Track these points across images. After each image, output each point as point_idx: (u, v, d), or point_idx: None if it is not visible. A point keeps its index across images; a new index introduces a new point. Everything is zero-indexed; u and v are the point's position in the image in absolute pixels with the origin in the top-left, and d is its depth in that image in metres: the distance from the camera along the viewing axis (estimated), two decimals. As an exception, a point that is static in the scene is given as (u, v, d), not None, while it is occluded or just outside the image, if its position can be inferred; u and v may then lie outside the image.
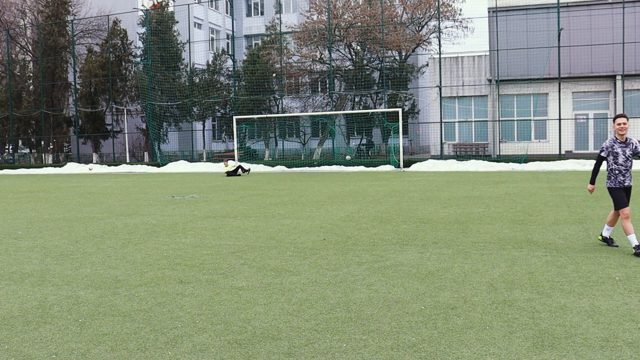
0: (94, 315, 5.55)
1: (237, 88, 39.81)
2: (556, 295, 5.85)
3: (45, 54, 43.91)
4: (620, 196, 7.78)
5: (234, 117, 34.56)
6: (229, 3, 51.27)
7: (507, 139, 35.91)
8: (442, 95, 35.33)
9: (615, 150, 7.79)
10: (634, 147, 7.79)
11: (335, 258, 7.83)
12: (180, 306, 5.76)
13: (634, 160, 8.14)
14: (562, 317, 5.17)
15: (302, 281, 6.63)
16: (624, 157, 7.74)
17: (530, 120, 35.66)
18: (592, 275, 6.59)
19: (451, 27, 39.67)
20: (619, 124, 7.68)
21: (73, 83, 43.60)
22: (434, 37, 39.25)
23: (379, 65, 39.01)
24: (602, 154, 7.92)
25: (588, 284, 6.21)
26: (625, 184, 7.85)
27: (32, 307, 5.87)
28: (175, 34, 43.19)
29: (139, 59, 43.95)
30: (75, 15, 46.98)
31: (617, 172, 7.80)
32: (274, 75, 40.31)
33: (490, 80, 36.02)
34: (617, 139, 7.82)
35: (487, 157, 33.27)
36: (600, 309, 5.36)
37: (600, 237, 8.29)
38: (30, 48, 49.62)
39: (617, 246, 8.04)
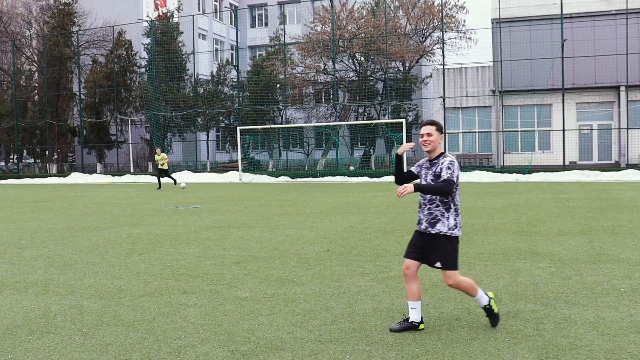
0: (98, 325, 5.55)
1: (241, 98, 39.92)
2: (560, 306, 5.83)
3: (51, 65, 44.14)
4: (409, 243, 5.39)
5: (238, 128, 34.61)
6: (233, 14, 51.58)
7: (511, 150, 35.89)
8: (446, 106, 35.34)
9: (418, 171, 5.34)
10: (438, 170, 5.05)
11: (339, 269, 7.82)
12: (183, 316, 5.76)
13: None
14: (567, 328, 5.15)
15: (305, 292, 6.63)
16: (425, 182, 5.17)
17: (534, 131, 35.66)
18: (597, 286, 6.57)
19: (455, 38, 39.78)
20: (422, 135, 5.16)
21: (78, 93, 43.79)
22: (438, 48, 39.33)
23: (383, 76, 39.09)
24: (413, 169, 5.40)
25: (593, 296, 6.19)
26: (420, 227, 5.24)
27: (35, 316, 5.88)
28: (179, 44, 43.37)
29: (143, 70, 44.13)
30: (80, 26, 47.24)
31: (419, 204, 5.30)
32: (278, 85, 40.40)
33: (494, 91, 36.05)
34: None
35: (491, 168, 33.25)
36: (605, 321, 5.33)
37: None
38: (36, 58, 49.87)
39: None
